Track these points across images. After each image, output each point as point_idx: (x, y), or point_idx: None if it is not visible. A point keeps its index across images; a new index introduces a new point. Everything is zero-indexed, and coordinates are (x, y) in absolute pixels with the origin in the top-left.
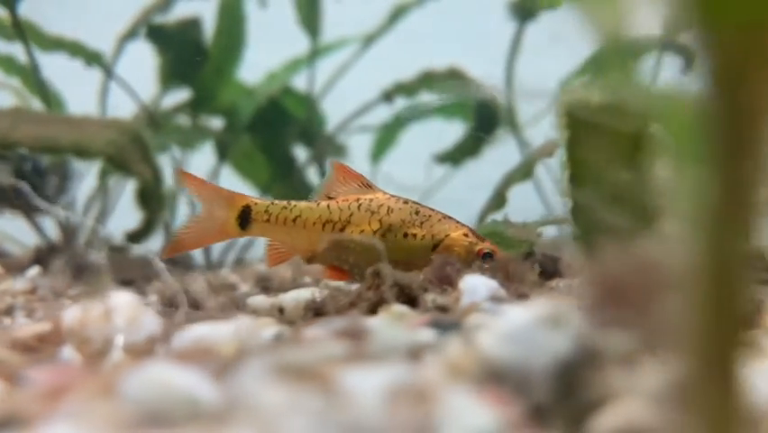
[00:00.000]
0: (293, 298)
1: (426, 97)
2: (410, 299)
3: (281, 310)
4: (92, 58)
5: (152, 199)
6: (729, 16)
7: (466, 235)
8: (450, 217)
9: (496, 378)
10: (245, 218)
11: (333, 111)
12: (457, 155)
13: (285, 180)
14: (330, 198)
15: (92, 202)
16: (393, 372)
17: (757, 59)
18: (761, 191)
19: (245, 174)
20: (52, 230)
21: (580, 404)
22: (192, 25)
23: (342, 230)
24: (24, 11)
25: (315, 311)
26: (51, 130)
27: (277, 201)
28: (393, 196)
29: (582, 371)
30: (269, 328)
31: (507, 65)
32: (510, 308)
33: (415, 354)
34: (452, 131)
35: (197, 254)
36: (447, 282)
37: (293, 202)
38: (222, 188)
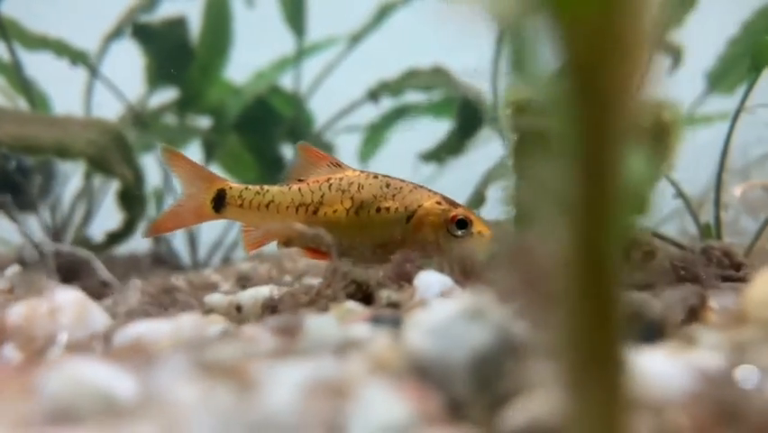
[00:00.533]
0: (251, 296)
1: (413, 96)
2: (366, 296)
3: (239, 309)
4: (77, 57)
5: (133, 200)
6: (579, 5)
7: (439, 204)
8: (421, 186)
9: (418, 372)
10: (220, 201)
11: (321, 110)
12: (441, 153)
13: (272, 179)
14: (300, 181)
15: (77, 202)
16: (314, 367)
17: (610, 48)
18: (622, 180)
19: (233, 173)
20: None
21: (495, 396)
22: (178, 24)
23: (315, 212)
24: (9, 8)
25: (273, 309)
26: (32, 130)
27: (251, 186)
28: (363, 172)
29: (501, 363)
30: (215, 326)
31: (493, 62)
32: (437, 302)
33: (344, 349)
34: (441, 129)
35: (184, 254)
36: (405, 279)
37: (266, 187)
38: (202, 169)
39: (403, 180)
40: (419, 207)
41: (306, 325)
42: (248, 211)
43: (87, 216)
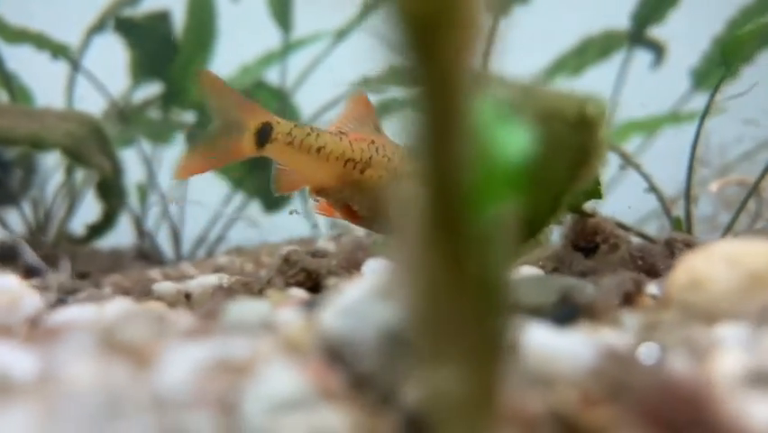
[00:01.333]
0: (199, 284)
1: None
2: (316, 284)
3: (188, 296)
4: (58, 50)
5: (111, 191)
6: None
7: None
8: None
9: (327, 351)
10: (263, 137)
11: (306, 104)
12: None
13: (258, 174)
14: (342, 133)
15: (58, 197)
16: (217, 346)
17: (445, 20)
18: (469, 154)
19: (217, 168)
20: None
21: (399, 374)
22: (161, 19)
23: (362, 171)
24: None
25: (230, 298)
26: (7, 121)
27: (298, 125)
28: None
29: (407, 341)
30: (149, 312)
31: (479, 59)
32: (352, 283)
33: (258, 330)
34: None
35: (168, 249)
36: (355, 266)
37: (316, 129)
38: (245, 99)
39: None
40: None
41: (227, 308)
42: (296, 152)
43: (70, 211)
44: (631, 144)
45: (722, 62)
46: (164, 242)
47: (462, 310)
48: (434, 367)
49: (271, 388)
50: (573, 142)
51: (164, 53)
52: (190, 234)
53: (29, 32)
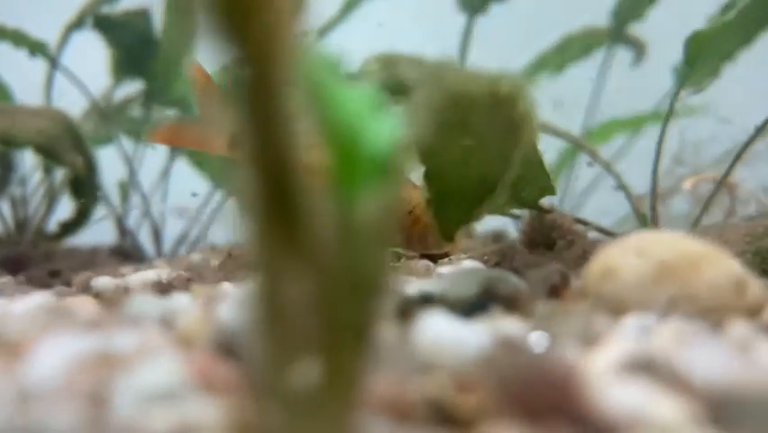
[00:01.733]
0: (139, 279)
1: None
2: None
3: (127, 291)
4: (35, 47)
5: (84, 189)
6: None
7: None
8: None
9: (221, 344)
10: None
11: None
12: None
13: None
14: None
15: (36, 195)
16: (102, 339)
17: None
18: (303, 130)
19: (199, 166)
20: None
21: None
22: (141, 16)
23: None
24: None
25: (161, 292)
26: None
27: None
28: None
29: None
30: (54, 306)
31: (459, 56)
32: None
33: (156, 323)
34: None
35: (149, 247)
36: None
37: None
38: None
39: None
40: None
41: (129, 301)
42: None
43: (49, 210)
44: (616, 143)
45: (686, 60)
46: (146, 240)
47: (306, 300)
48: (278, 360)
49: (146, 380)
50: (497, 117)
51: (144, 51)
52: (172, 232)
53: (5, 29)
